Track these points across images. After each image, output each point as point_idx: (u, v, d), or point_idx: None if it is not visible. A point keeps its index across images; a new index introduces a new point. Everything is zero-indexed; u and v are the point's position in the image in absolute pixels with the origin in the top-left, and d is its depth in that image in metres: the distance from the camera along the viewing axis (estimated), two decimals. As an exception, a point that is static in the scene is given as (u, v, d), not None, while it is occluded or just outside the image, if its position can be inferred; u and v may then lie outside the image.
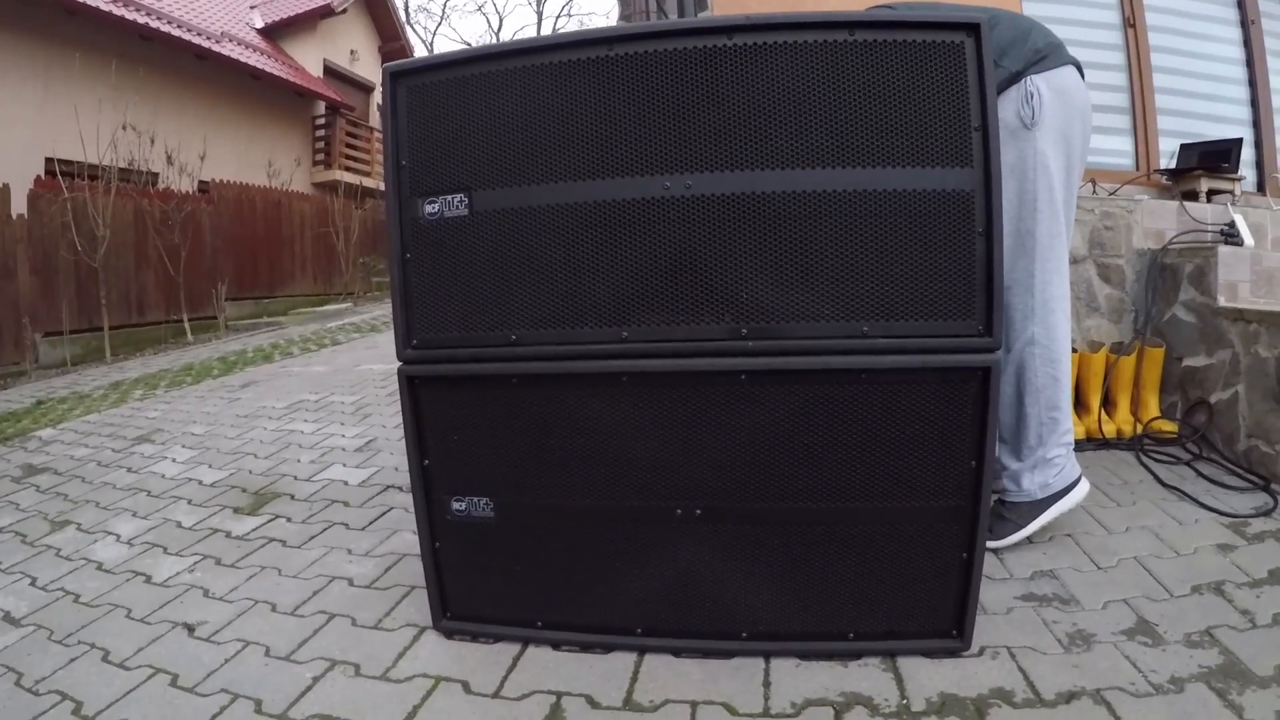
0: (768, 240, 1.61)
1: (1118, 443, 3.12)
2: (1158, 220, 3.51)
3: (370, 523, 2.73)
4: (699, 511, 1.72)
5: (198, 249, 10.51)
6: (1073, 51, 2.26)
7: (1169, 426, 3.12)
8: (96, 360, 8.48)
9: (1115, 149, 4.38)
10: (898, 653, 1.74)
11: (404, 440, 1.87)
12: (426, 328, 1.79)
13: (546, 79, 1.69)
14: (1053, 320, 2.19)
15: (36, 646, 2.05)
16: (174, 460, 3.75)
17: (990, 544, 2.15)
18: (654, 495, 1.73)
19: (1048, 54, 2.19)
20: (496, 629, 1.90)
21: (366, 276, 14.20)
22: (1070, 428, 2.27)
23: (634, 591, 1.79)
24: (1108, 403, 3.25)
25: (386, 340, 7.14)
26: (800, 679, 1.68)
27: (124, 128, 9.68)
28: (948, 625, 1.72)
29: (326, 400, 4.86)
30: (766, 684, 1.67)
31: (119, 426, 4.65)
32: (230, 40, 14.49)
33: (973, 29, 1.58)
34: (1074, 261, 3.28)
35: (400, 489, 3.03)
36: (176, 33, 12.80)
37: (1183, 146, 4.18)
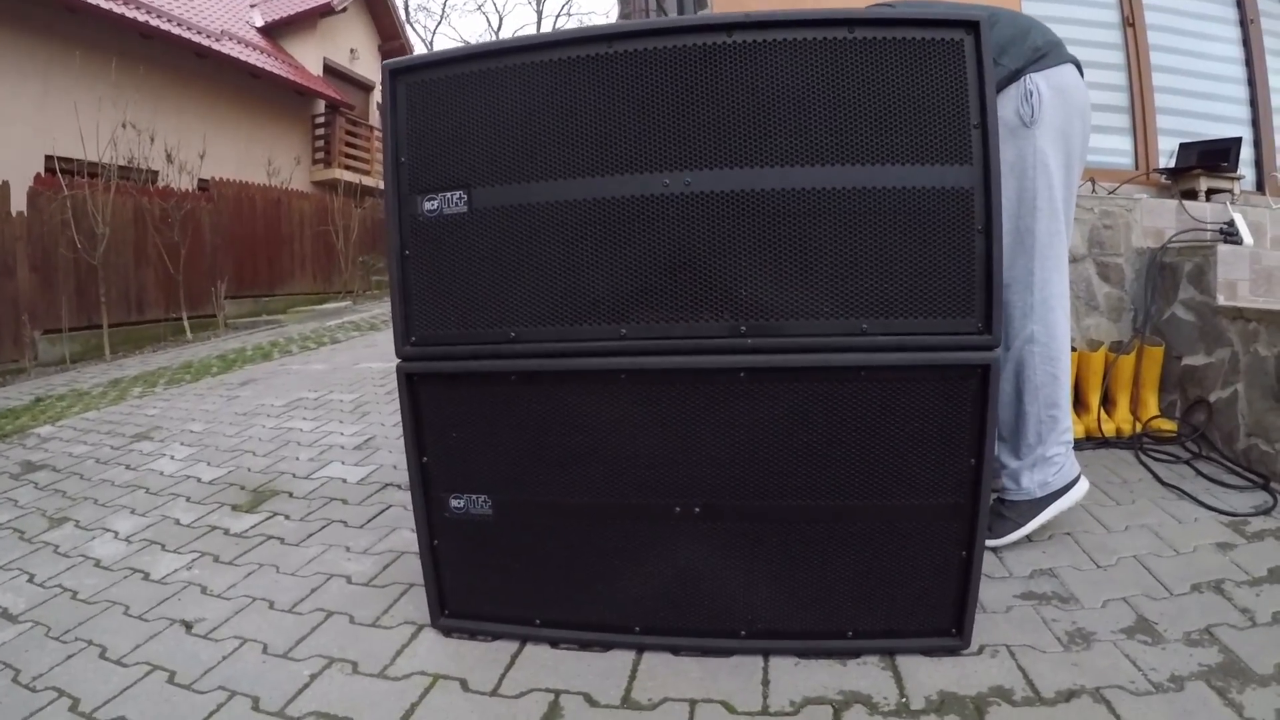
0: (767, 237, 1.61)
1: (1117, 441, 3.12)
2: (1157, 219, 3.51)
3: (368, 520, 2.73)
4: (698, 509, 1.72)
5: (197, 247, 10.51)
6: (1072, 50, 2.26)
7: (1168, 425, 3.12)
8: (96, 358, 8.48)
9: (1114, 148, 4.38)
10: (897, 651, 1.73)
11: (402, 438, 1.87)
12: (425, 325, 1.79)
13: (546, 76, 1.69)
14: (1052, 318, 2.19)
15: (34, 643, 2.04)
16: (172, 458, 3.74)
17: (989, 542, 2.15)
18: (652, 493, 1.73)
19: (1047, 52, 2.19)
20: (495, 627, 1.89)
21: (366, 275, 14.20)
22: (1069, 426, 2.27)
23: (632, 589, 1.79)
24: (1107, 401, 3.25)
25: (385, 338, 7.13)
26: (799, 677, 1.68)
27: (124, 125, 9.70)
28: (947, 623, 1.72)
29: (325, 398, 4.86)
30: (765, 682, 1.67)
31: (118, 424, 4.65)
32: (230, 38, 14.49)
33: (972, 27, 1.58)
34: (1073, 260, 3.27)
35: (399, 487, 3.03)
36: (177, 31, 12.79)
37: (1182, 145, 4.17)
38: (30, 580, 2.45)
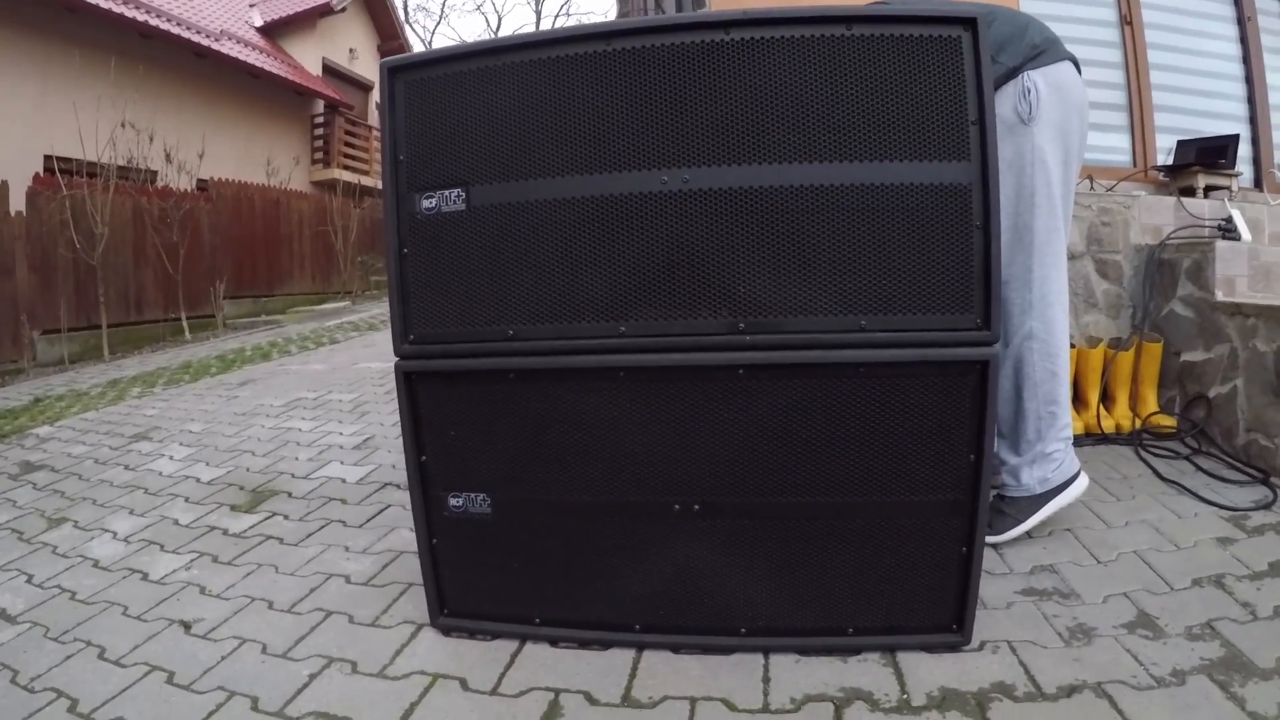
0: (765, 234, 1.60)
1: (1116, 438, 3.11)
2: (1155, 216, 3.51)
3: (368, 520, 2.73)
4: (697, 507, 1.72)
5: (196, 247, 10.51)
6: (1070, 49, 2.26)
7: (1168, 421, 3.12)
8: (94, 358, 8.48)
9: (1112, 146, 4.38)
10: (897, 648, 1.73)
11: (401, 437, 1.86)
12: (424, 323, 1.78)
13: (544, 74, 1.68)
14: (1051, 315, 2.19)
15: (32, 644, 2.04)
16: (171, 458, 3.74)
17: (989, 539, 2.15)
18: (651, 490, 1.73)
19: (1045, 49, 2.19)
20: (494, 626, 1.89)
21: (365, 275, 14.20)
22: (1069, 422, 2.26)
23: (632, 587, 1.79)
24: (1106, 398, 3.24)
25: (384, 339, 7.13)
26: (800, 674, 1.68)
27: (123, 125, 9.70)
28: (948, 620, 1.71)
29: (324, 398, 4.85)
30: (766, 679, 1.67)
31: (116, 424, 4.64)
32: (229, 38, 14.48)
33: (969, 23, 1.58)
34: (1071, 257, 3.27)
35: (398, 486, 3.03)
36: (176, 30, 12.79)
37: (1180, 143, 4.17)
38: (29, 581, 2.44)
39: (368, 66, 18.79)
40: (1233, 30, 4.68)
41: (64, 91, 10.32)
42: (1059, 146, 2.19)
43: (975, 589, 1.68)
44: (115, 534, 2.79)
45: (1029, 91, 2.15)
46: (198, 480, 3.35)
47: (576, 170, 1.66)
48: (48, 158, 9.85)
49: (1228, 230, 3.41)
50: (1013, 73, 2.16)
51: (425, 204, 1.75)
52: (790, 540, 1.71)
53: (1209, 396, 2.97)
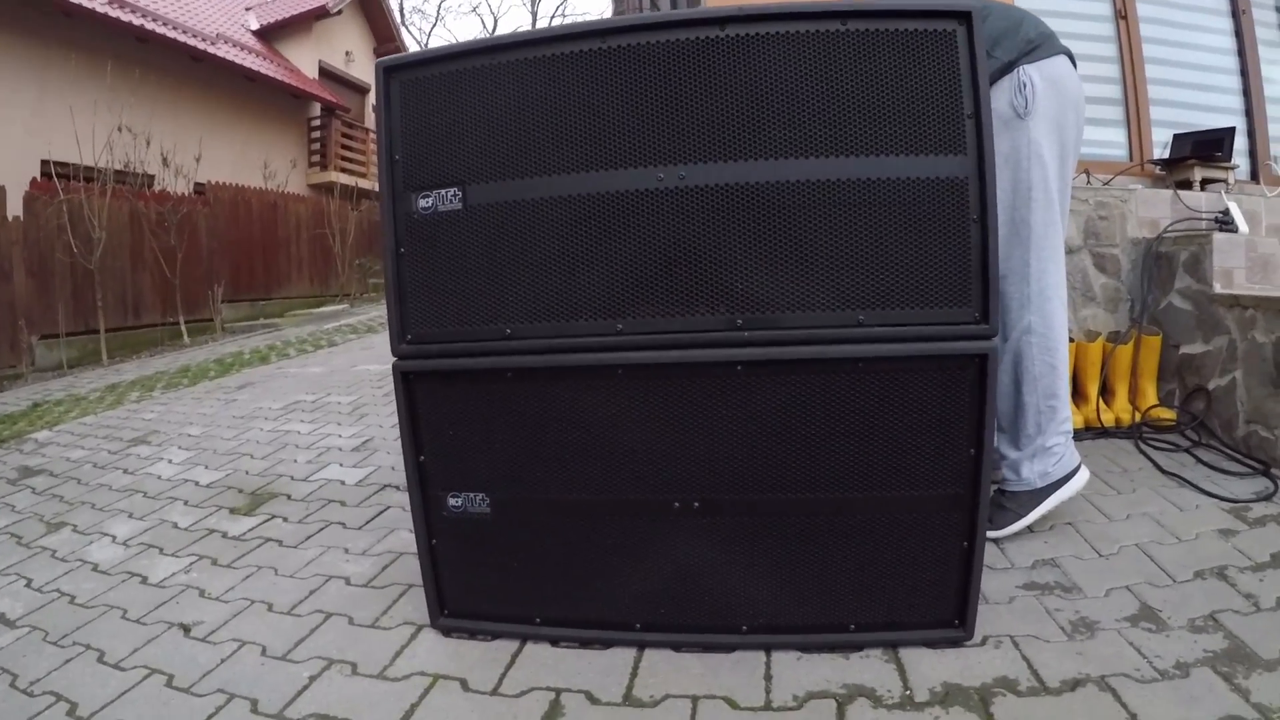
0: (762, 230, 1.60)
1: (1116, 431, 3.11)
2: (1152, 209, 3.51)
3: (367, 522, 2.72)
4: (696, 504, 1.71)
5: (194, 251, 10.49)
6: (1065, 43, 2.26)
7: (1167, 414, 3.12)
8: (93, 363, 8.47)
9: (1108, 140, 4.38)
10: (900, 643, 1.73)
11: (400, 438, 1.86)
12: (421, 322, 1.78)
13: (540, 72, 1.68)
14: (1049, 308, 2.19)
15: (31, 648, 2.04)
16: (170, 461, 3.73)
17: (991, 534, 2.14)
18: (651, 488, 1.72)
19: (1040, 44, 2.19)
20: (494, 626, 1.89)
21: (363, 278, 14.19)
22: (1068, 416, 2.26)
23: (632, 586, 1.78)
24: (1105, 392, 3.24)
25: (383, 341, 7.11)
26: (802, 671, 1.67)
27: (120, 129, 9.67)
28: (950, 615, 1.71)
29: (323, 401, 4.85)
30: (768, 677, 1.66)
31: (115, 428, 4.64)
32: (225, 42, 14.47)
33: (964, 16, 1.57)
34: (1069, 252, 3.27)
35: (397, 488, 3.02)
36: (172, 34, 12.77)
37: (1176, 136, 4.17)
38: (28, 585, 2.44)
39: (364, 69, 18.76)
40: (1227, 23, 4.68)
41: (61, 96, 10.32)
42: (1055, 141, 2.19)
43: (977, 584, 1.67)
44: (114, 538, 2.79)
45: (1024, 86, 2.15)
46: (197, 483, 3.34)
47: (573, 168, 1.65)
48: (45, 162, 9.84)
49: (1225, 222, 3.41)
50: (1008, 67, 2.16)
51: (422, 203, 1.75)
52: (790, 537, 1.70)
53: (1208, 389, 2.96)
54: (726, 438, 1.67)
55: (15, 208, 8.46)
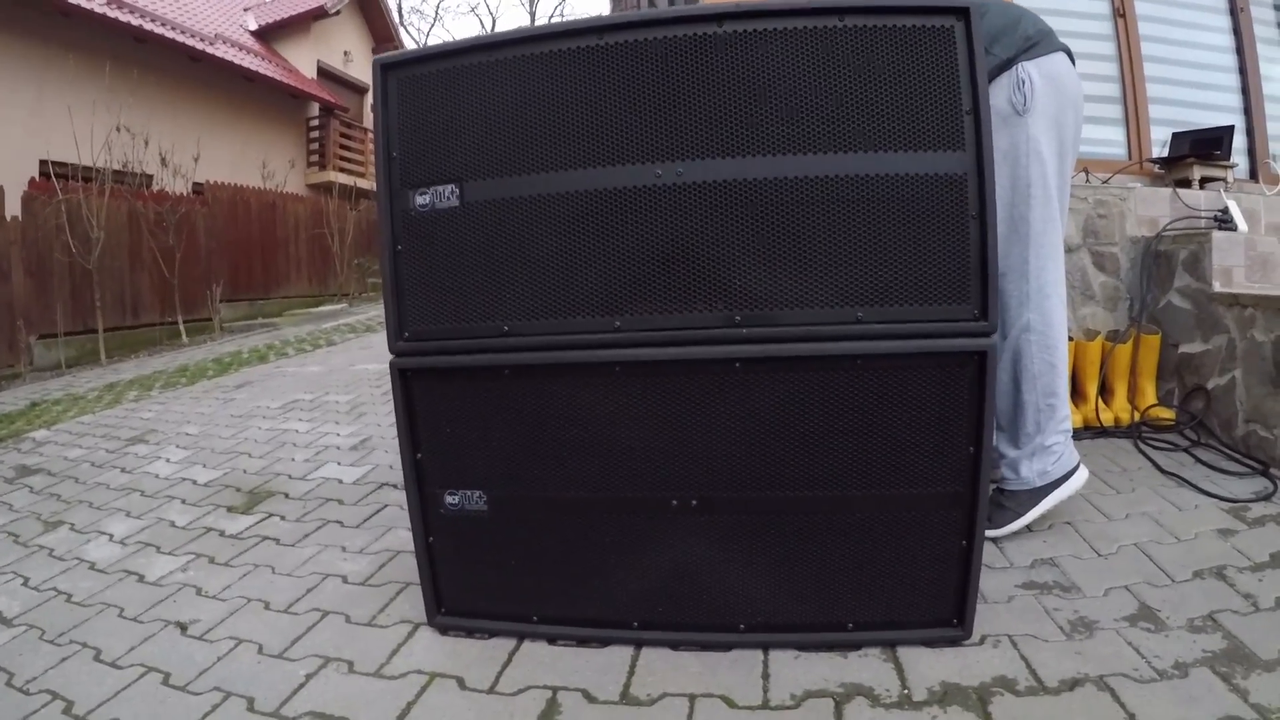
0: (760, 227, 1.59)
1: (1115, 430, 3.11)
2: (1151, 208, 3.50)
3: (364, 520, 2.72)
4: (694, 502, 1.71)
5: (192, 251, 10.49)
6: (1063, 41, 2.25)
7: (1166, 413, 3.11)
8: (91, 362, 8.47)
9: (1107, 139, 4.37)
10: (898, 642, 1.72)
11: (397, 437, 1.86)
12: (418, 320, 1.77)
13: (537, 69, 1.67)
14: (1048, 306, 2.18)
15: (28, 646, 2.03)
16: (168, 460, 3.73)
17: (989, 533, 2.14)
18: (648, 486, 1.72)
19: (1038, 41, 2.19)
20: (491, 624, 1.88)
21: (361, 277, 14.18)
22: (1068, 414, 2.26)
23: (630, 584, 1.78)
24: (1104, 391, 3.24)
25: (381, 340, 7.10)
26: (800, 670, 1.67)
27: (118, 129, 9.66)
28: (948, 614, 1.70)
29: (321, 400, 4.84)
30: (765, 676, 1.66)
31: (113, 427, 4.63)
32: (224, 42, 14.46)
33: (962, 12, 1.57)
34: (1068, 250, 3.26)
35: (395, 486, 3.02)
36: (170, 35, 12.76)
37: (1174, 135, 4.17)
38: (25, 584, 2.44)
39: (363, 69, 18.73)
40: (1225, 21, 4.67)
41: (59, 96, 10.31)
42: (1054, 138, 2.19)
43: (975, 582, 1.67)
44: (112, 536, 2.78)
45: (1023, 83, 2.15)
46: (194, 482, 3.34)
47: (570, 165, 1.65)
48: (43, 162, 9.85)
49: (1224, 221, 3.41)
50: (1007, 64, 2.16)
51: (419, 200, 1.74)
52: (789, 535, 1.70)
53: (1207, 388, 2.96)
54: (724, 435, 1.67)
55: (14, 208, 8.45)
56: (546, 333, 1.69)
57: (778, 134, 1.58)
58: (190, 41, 13.22)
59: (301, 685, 1.74)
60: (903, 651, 1.70)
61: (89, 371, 7.83)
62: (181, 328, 9.93)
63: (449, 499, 1.82)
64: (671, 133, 1.61)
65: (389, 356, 1.81)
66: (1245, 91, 4.64)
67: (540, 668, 1.74)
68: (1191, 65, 4.57)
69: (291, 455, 3.62)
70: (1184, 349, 3.13)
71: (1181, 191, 3.57)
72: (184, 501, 3.09)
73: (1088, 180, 3.78)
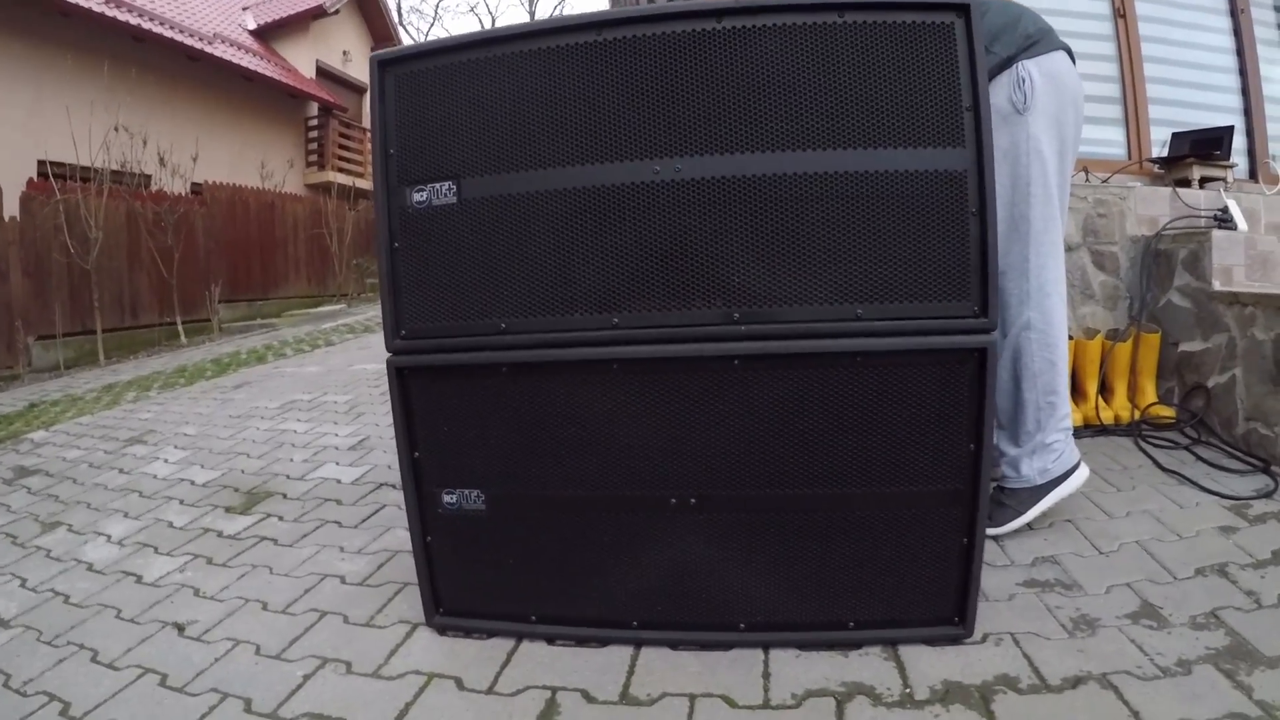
0: (759, 223, 1.58)
1: (1115, 429, 3.10)
2: (1151, 207, 3.50)
3: (363, 520, 2.71)
4: (693, 500, 1.70)
5: (191, 251, 10.47)
6: (1063, 40, 2.25)
7: (1166, 412, 3.10)
8: (90, 363, 8.46)
9: (1107, 139, 4.36)
10: (899, 641, 1.71)
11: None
12: (415, 317, 1.76)
13: (535, 65, 1.66)
14: (1048, 304, 2.17)
15: (25, 647, 2.02)
16: (166, 461, 3.72)
17: (990, 531, 2.13)
18: (647, 484, 1.71)
19: (1038, 39, 2.18)
20: (490, 624, 1.87)
21: (360, 278, 14.16)
22: (1068, 412, 2.25)
23: (629, 583, 1.77)
24: (1104, 389, 3.23)
25: (380, 341, 7.06)
26: (800, 669, 1.66)
27: (116, 129, 9.65)
28: (949, 612, 1.69)
29: (319, 400, 4.83)
30: (766, 675, 1.65)
31: (111, 428, 4.62)
32: (222, 41, 14.43)
33: (962, 9, 1.56)
34: (1068, 249, 3.25)
35: (393, 486, 3.00)
36: (169, 34, 12.73)
37: (1174, 135, 4.16)
38: (22, 585, 2.43)
39: (362, 69, 18.70)
40: (1225, 22, 4.66)
41: (57, 96, 10.29)
42: (1054, 136, 2.18)
43: (977, 580, 1.66)
44: (109, 537, 2.77)
45: (1023, 81, 2.14)
46: (192, 483, 3.33)
47: (568, 161, 1.64)
48: (41, 162, 9.85)
49: (1224, 220, 3.40)
50: (1007, 63, 2.16)
51: (416, 197, 1.74)
52: (788, 533, 1.69)
53: (1207, 386, 2.95)
54: (723, 433, 1.66)
55: (11, 208, 8.44)
56: (544, 330, 1.68)
57: (777, 130, 1.57)
58: (189, 41, 13.19)
59: (299, 686, 1.73)
60: (904, 650, 1.69)
61: (87, 372, 7.82)
62: (180, 328, 9.92)
63: (447, 498, 1.81)
64: (670, 129, 1.60)
65: (387, 356, 1.80)
66: (1245, 92, 4.63)
67: (539, 668, 1.73)
68: (1191, 65, 4.56)
69: (290, 456, 3.61)
70: (1184, 347, 3.12)
71: (1181, 190, 3.57)
72: (182, 502, 3.08)
73: (1088, 179, 3.78)
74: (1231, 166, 4.02)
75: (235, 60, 14.26)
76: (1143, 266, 3.34)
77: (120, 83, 10.31)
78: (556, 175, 1.65)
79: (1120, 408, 3.16)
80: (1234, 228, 3.34)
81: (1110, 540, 2.12)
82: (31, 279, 8.46)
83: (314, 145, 16.89)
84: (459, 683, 1.69)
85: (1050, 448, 2.20)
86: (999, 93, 2.14)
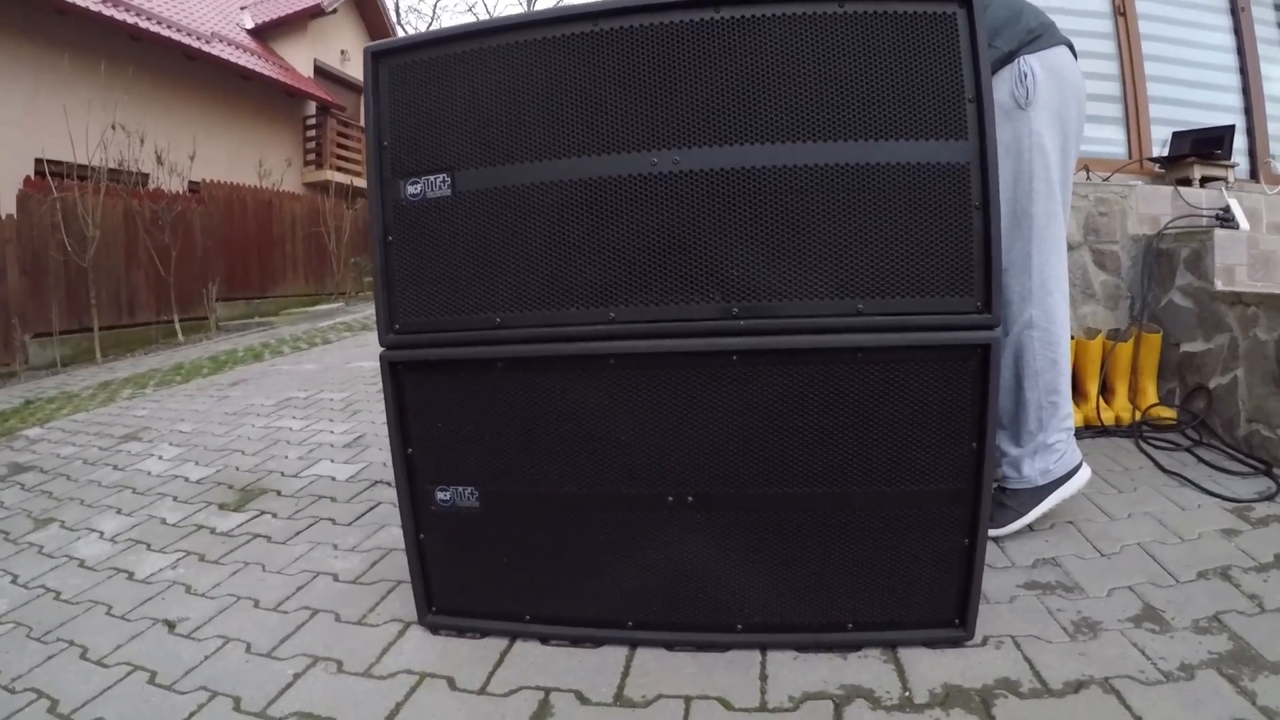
0: (758, 216, 1.56)
1: (1116, 430, 3.08)
2: (1152, 206, 3.48)
3: (357, 518, 2.68)
4: (690, 498, 1.67)
5: (188, 249, 10.46)
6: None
7: (1167, 413, 3.08)
8: (86, 361, 8.44)
9: (1107, 138, 4.34)
10: (899, 643, 1.69)
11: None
12: (409, 311, 1.74)
13: (531, 56, 1.64)
14: (1051, 302, 2.15)
15: (14, 644, 2.00)
16: (161, 458, 3.69)
17: (991, 532, 2.10)
18: (644, 482, 1.68)
19: (1041, 34, 2.16)
20: (483, 623, 1.85)
21: (358, 276, 14.15)
22: (1070, 412, 2.23)
23: (625, 583, 1.74)
24: (1105, 390, 3.21)
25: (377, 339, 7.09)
26: (798, 671, 1.63)
27: (113, 128, 9.63)
28: (950, 614, 1.67)
29: (316, 397, 4.81)
30: (763, 677, 1.62)
31: (106, 425, 4.60)
32: (220, 40, 14.42)
33: (964, 0, 1.54)
34: (1069, 248, 3.23)
35: (388, 484, 2.98)
36: (166, 33, 12.71)
37: (1175, 134, 4.14)
38: (13, 581, 2.41)
39: (359, 68, 18.59)
40: (1226, 20, 4.65)
41: (54, 94, 10.28)
42: (1057, 131, 2.16)
43: (978, 582, 1.64)
44: (102, 534, 2.75)
45: (1025, 76, 2.12)
46: (186, 480, 3.30)
47: (564, 153, 1.61)
48: (38, 161, 9.84)
49: (1225, 219, 3.39)
50: (1009, 57, 2.13)
51: (410, 190, 1.71)
52: (787, 533, 1.66)
53: (1209, 387, 2.93)
54: (721, 430, 1.63)
55: (8, 206, 8.44)
56: (540, 324, 1.66)
57: (776, 121, 1.54)
58: (186, 40, 13.17)
59: (289, 685, 1.70)
60: (903, 652, 1.67)
61: (84, 370, 7.80)
62: (177, 326, 9.91)
63: (440, 495, 1.79)
64: (667, 120, 1.57)
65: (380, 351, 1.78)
66: (1246, 91, 4.62)
67: (533, 668, 1.71)
68: (1192, 65, 4.54)
69: (285, 453, 3.58)
70: (1185, 348, 3.10)
71: (1183, 189, 3.54)
72: (175, 499, 3.06)
73: (1088, 178, 3.76)
74: (1232, 166, 4.00)
75: (233, 59, 14.25)
76: (1144, 266, 3.32)
77: (117, 81, 10.29)
78: (552, 167, 1.62)
79: (1121, 408, 3.14)
80: (1236, 227, 3.33)
81: (1111, 542, 2.10)
82: (28, 277, 8.44)
83: (312, 144, 16.89)
84: (451, 683, 1.67)
85: (1052, 448, 2.18)
86: (1001, 88, 2.12)
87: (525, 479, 1.74)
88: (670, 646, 1.75)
